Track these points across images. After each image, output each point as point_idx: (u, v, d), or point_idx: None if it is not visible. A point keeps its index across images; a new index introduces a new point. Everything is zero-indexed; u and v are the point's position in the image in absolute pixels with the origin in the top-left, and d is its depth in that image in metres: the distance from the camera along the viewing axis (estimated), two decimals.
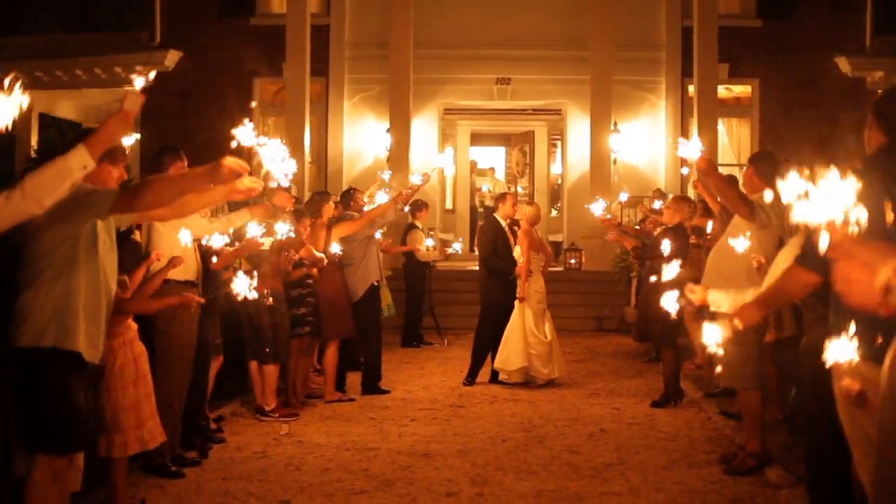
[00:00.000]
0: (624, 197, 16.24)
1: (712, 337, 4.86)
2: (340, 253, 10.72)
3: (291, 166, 5.06)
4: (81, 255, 5.14)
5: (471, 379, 12.25)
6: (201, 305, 7.71)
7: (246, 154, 4.90)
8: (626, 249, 13.85)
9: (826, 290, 4.21)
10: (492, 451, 8.74)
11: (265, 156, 4.91)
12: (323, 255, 10.35)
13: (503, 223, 12.58)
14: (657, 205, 14.69)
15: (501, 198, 13.05)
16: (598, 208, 12.66)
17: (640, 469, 8.07)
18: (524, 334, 11.96)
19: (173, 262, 7.21)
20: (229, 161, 4.85)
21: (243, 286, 6.93)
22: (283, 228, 8.63)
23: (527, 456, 8.54)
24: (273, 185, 9.34)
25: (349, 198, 11.89)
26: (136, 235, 7.79)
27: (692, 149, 7.38)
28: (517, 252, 12.12)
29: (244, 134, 4.86)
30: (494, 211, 12.98)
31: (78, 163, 4.62)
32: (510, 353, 12.02)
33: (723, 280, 7.89)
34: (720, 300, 5.37)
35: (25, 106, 4.15)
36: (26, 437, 5.21)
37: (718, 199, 9.00)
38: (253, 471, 7.95)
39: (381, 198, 12.02)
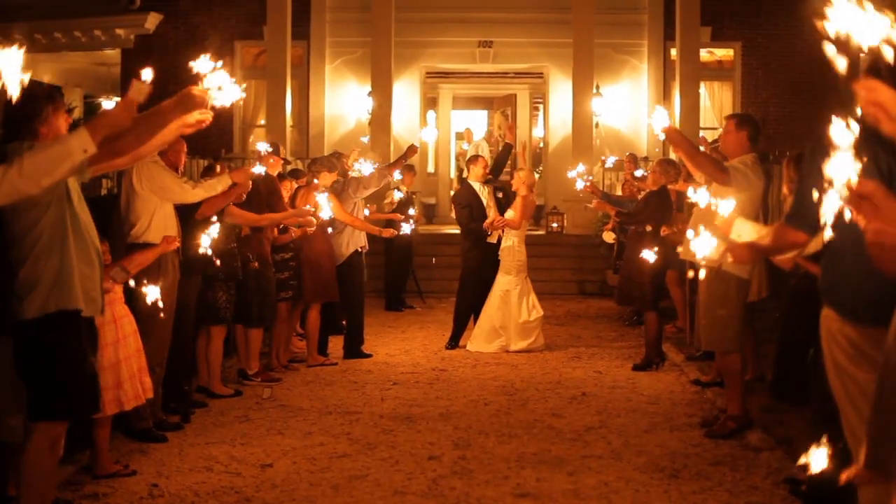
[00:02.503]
0: (611, 161, 16.20)
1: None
2: (330, 217, 10.60)
3: (236, 93, 5.03)
4: (66, 214, 5.12)
5: (453, 343, 12.25)
6: (181, 270, 7.73)
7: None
8: (609, 214, 13.81)
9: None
10: (474, 414, 8.77)
11: (210, 84, 4.90)
12: (313, 219, 10.27)
13: (477, 186, 12.44)
14: (639, 173, 14.70)
15: (473, 160, 12.92)
16: (579, 180, 12.62)
17: (622, 432, 8.11)
18: (502, 315, 11.93)
19: (167, 240, 7.29)
20: (196, 89, 4.84)
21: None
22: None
23: (509, 419, 8.57)
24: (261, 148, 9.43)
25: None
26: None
27: (659, 119, 7.40)
28: (510, 214, 12.00)
29: (201, 64, 4.88)
30: (468, 175, 12.86)
31: (79, 146, 4.58)
32: (484, 338, 12.00)
33: None
34: (744, 230, 5.39)
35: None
36: (34, 405, 5.20)
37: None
38: (235, 435, 7.96)
39: (366, 168, 11.91)
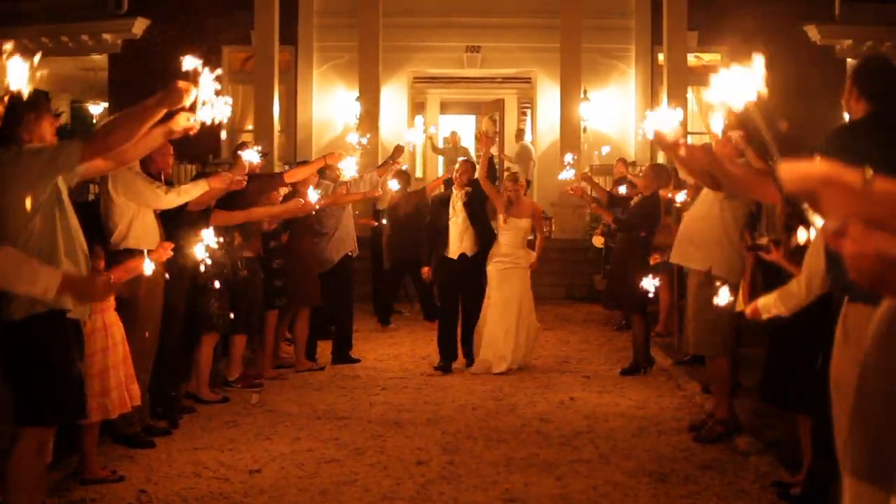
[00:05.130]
0: (605, 150, 16.37)
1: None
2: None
3: (224, 110, 5.02)
4: (56, 216, 5.11)
5: (444, 363, 11.37)
6: (167, 276, 7.70)
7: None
8: (599, 217, 13.79)
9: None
10: (462, 419, 8.77)
11: (200, 93, 4.90)
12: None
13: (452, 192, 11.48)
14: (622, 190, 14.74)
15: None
16: (569, 173, 12.55)
17: (610, 436, 8.12)
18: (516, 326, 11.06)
19: (163, 246, 7.30)
20: (181, 83, 4.83)
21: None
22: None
23: (497, 424, 8.57)
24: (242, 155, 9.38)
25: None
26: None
27: (649, 126, 7.41)
28: (514, 229, 11.13)
29: (190, 62, 4.88)
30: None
31: (43, 285, 4.70)
32: (501, 351, 11.00)
33: (693, 248, 7.95)
34: (769, 304, 5.64)
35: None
36: (22, 410, 5.18)
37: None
38: (224, 440, 7.94)
39: (350, 165, 11.76)
